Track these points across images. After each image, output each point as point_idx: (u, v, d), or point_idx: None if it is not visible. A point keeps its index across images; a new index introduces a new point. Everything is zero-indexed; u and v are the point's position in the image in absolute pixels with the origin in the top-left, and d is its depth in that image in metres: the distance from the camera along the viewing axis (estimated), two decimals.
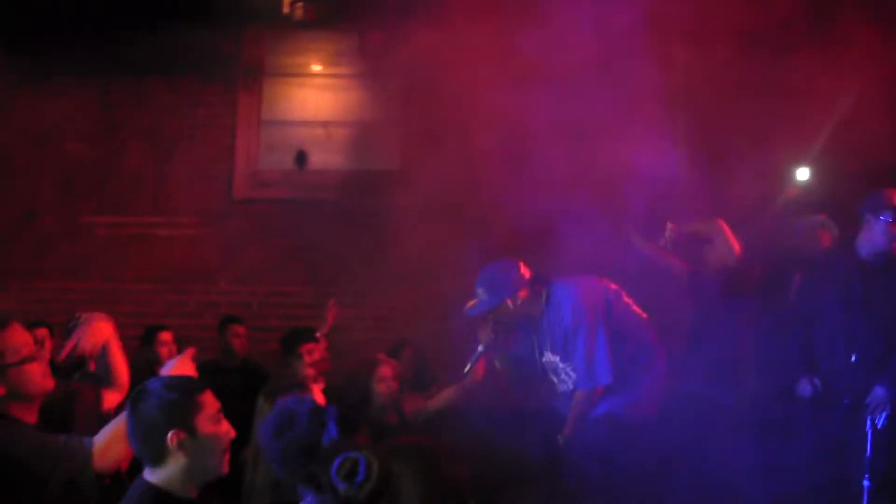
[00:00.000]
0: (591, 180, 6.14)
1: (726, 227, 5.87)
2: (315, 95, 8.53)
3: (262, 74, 8.52)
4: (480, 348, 5.34)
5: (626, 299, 5.26)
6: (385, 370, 5.51)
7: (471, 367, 5.33)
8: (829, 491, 5.13)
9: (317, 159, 8.38)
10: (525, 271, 5.21)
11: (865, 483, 5.04)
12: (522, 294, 5.16)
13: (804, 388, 5.36)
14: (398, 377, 5.63)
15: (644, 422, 5.04)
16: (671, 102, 6.91)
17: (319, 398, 3.79)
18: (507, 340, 5.44)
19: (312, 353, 6.24)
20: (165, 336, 6.81)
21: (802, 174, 7.10)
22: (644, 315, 5.28)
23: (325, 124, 8.42)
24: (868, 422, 5.08)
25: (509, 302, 5.15)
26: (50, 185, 8.18)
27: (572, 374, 5.17)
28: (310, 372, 5.91)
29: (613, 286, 5.26)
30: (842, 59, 6.12)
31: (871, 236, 5.39)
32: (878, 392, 5.22)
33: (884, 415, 5.05)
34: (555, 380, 5.31)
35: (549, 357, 5.29)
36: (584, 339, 5.04)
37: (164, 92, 8.31)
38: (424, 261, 7.07)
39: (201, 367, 7.04)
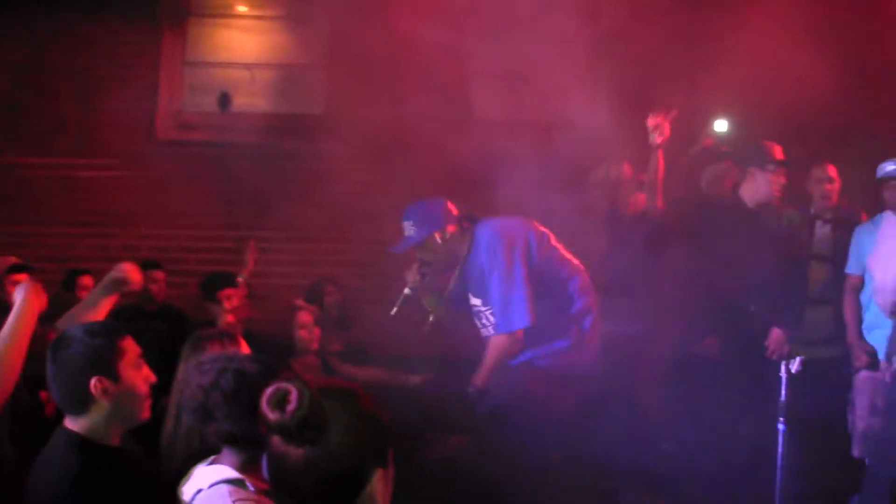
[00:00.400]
0: (520, 126, 6.17)
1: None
2: (240, 37, 8.41)
3: (188, 14, 8.37)
4: (407, 291, 5.14)
5: (555, 243, 5.02)
6: (304, 317, 5.52)
7: (397, 309, 5.13)
8: (747, 435, 5.24)
9: (242, 102, 8.29)
10: (453, 207, 5.05)
11: (780, 426, 5.15)
12: (450, 229, 4.98)
13: (710, 344, 5.53)
14: (319, 322, 5.65)
15: (569, 373, 4.85)
16: (597, 50, 6.96)
17: (245, 348, 3.75)
18: (434, 282, 5.25)
19: (231, 299, 6.20)
20: (86, 280, 6.73)
21: (721, 125, 7.18)
22: (577, 262, 5.05)
23: (250, 66, 8.32)
24: (782, 366, 5.17)
25: (437, 235, 4.96)
26: None
27: (492, 317, 4.92)
28: (229, 318, 5.88)
29: (541, 228, 5.01)
30: (765, 9, 6.18)
31: (756, 187, 5.64)
32: (774, 333, 5.46)
33: (798, 359, 5.15)
34: (478, 324, 5.07)
35: (473, 300, 5.07)
36: (499, 279, 4.80)
37: (88, 30, 8.10)
38: (350, 205, 7.07)
39: (120, 311, 7.03)
